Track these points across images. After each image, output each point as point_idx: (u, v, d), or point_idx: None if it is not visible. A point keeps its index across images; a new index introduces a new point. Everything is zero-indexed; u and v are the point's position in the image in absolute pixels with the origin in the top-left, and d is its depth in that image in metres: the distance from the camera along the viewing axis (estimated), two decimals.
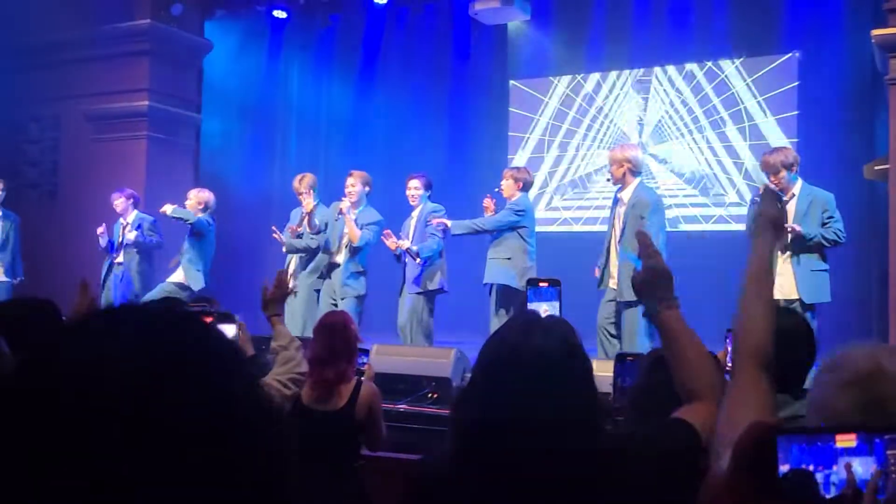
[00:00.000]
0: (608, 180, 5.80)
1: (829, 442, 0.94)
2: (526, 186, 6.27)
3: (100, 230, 7.33)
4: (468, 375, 4.70)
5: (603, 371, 2.67)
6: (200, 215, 6.99)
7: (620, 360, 2.56)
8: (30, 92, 8.94)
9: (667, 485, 1.31)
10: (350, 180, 6.54)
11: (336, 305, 6.35)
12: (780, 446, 0.93)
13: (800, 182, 5.38)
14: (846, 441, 0.94)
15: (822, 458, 0.94)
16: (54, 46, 8.80)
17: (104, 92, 8.77)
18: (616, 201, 5.76)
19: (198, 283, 6.92)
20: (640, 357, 2.25)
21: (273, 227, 6.91)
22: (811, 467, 0.93)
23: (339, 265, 6.53)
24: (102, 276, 7.40)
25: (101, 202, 7.86)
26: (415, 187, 6.44)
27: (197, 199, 7.11)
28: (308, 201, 6.74)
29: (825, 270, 5.22)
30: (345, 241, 6.52)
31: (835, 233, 5.17)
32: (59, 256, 8.04)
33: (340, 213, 6.49)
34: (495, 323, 5.89)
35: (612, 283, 5.64)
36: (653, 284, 1.60)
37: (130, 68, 8.75)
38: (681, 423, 1.42)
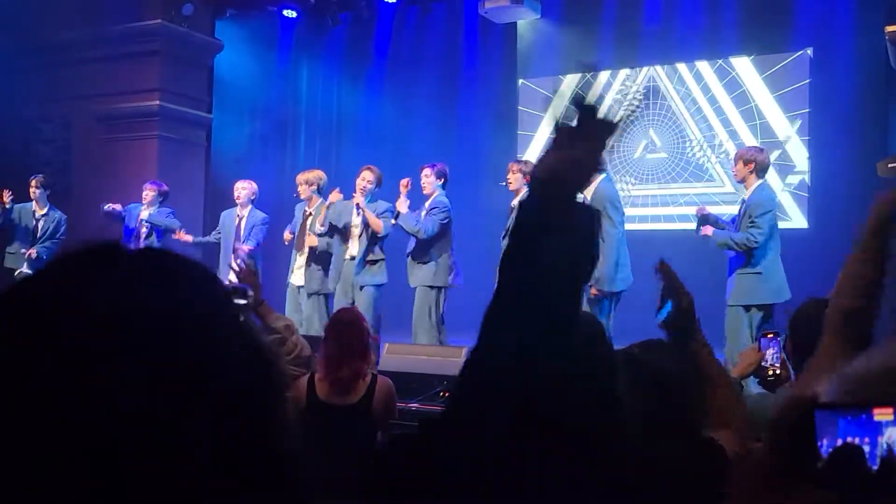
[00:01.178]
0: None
1: (868, 416, 0.91)
2: None
3: (111, 206, 7.42)
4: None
5: None
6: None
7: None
8: (41, 92, 8.98)
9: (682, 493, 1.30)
10: (367, 174, 6.60)
11: (353, 300, 6.35)
12: (826, 420, 0.90)
13: (755, 185, 5.48)
14: (884, 415, 0.91)
15: (868, 430, 0.91)
16: (65, 46, 8.84)
17: (115, 92, 8.80)
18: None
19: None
20: None
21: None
22: (857, 440, 0.90)
23: (352, 258, 6.55)
24: None
25: (113, 201, 7.89)
26: (425, 175, 6.57)
27: (251, 190, 7.37)
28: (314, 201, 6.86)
29: (754, 273, 5.33)
30: (356, 231, 6.54)
31: (746, 237, 5.30)
32: None
33: (357, 207, 6.51)
34: None
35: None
36: (685, 324, 1.63)
37: (141, 68, 8.78)
38: (712, 443, 1.42)
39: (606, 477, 1.19)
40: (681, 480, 1.32)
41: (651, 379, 1.80)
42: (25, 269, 7.53)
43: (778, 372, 2.56)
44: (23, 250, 7.59)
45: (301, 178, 7.07)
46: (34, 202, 7.73)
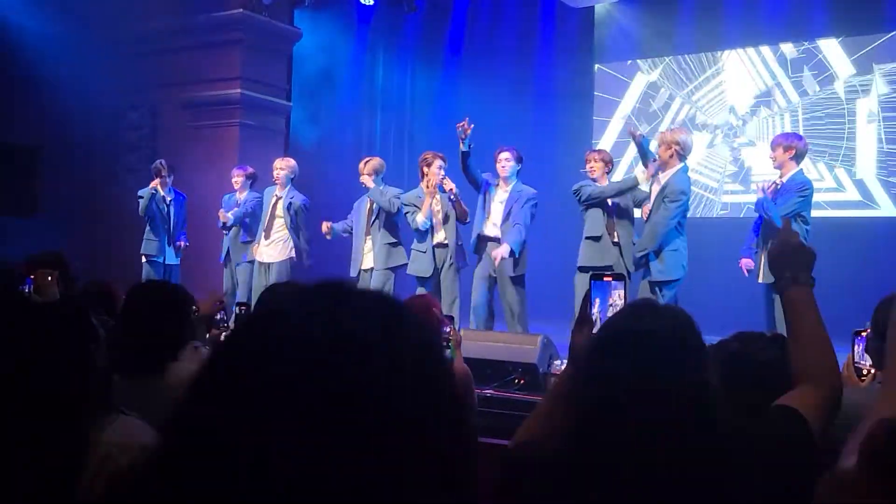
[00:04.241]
0: (654, 161, 5.75)
1: None
2: (612, 167, 6.38)
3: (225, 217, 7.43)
4: (556, 362, 4.67)
5: None
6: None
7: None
8: (129, 80, 9.28)
9: (775, 477, 1.28)
10: (440, 162, 6.47)
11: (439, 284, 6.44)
12: None
13: (793, 171, 5.52)
14: None
15: None
16: (152, 36, 9.11)
17: (198, 80, 9.03)
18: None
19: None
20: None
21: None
22: None
23: (439, 244, 6.53)
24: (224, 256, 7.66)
25: (198, 186, 8.13)
26: (505, 159, 6.33)
27: (289, 169, 7.31)
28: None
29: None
30: (440, 217, 6.50)
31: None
32: None
33: (452, 194, 6.38)
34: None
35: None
36: (787, 258, 1.60)
37: (223, 57, 8.98)
38: (789, 411, 1.40)
39: (700, 462, 1.19)
40: (758, 450, 1.31)
41: (752, 373, 1.77)
42: (171, 260, 7.52)
43: (872, 371, 2.49)
44: (157, 239, 7.52)
45: (369, 167, 6.81)
46: (159, 187, 7.57)
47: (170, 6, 9.00)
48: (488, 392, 4.74)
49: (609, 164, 6.25)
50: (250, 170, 7.70)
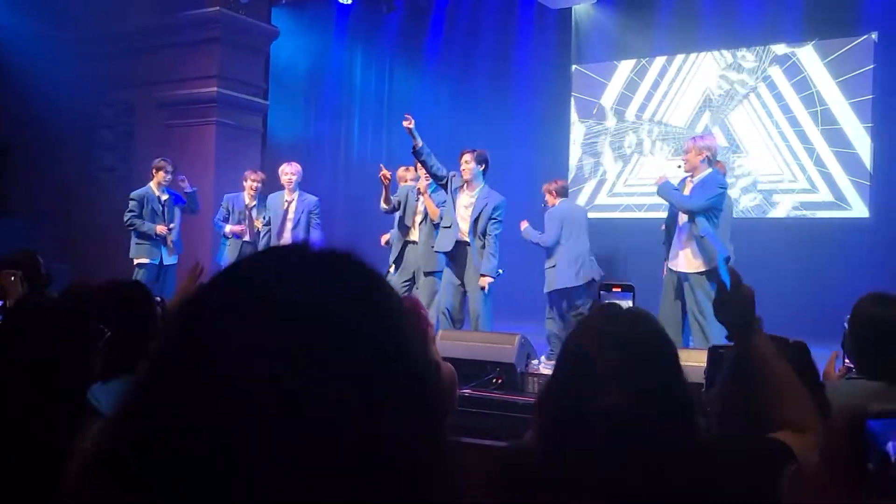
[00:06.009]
0: (679, 167, 5.76)
1: None
2: (560, 193, 6.90)
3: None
4: (534, 361, 4.67)
5: (695, 361, 2.64)
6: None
7: (713, 351, 2.50)
8: (105, 79, 9.21)
9: (751, 495, 1.28)
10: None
11: (416, 286, 6.44)
12: (889, 429, 0.88)
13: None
14: None
15: None
16: (128, 35, 9.05)
17: (175, 79, 8.98)
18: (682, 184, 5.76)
19: None
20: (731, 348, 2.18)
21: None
22: None
23: (414, 242, 6.57)
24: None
25: (174, 185, 8.07)
26: (465, 161, 6.22)
27: (298, 174, 7.21)
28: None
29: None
30: (419, 218, 6.57)
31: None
32: None
33: (418, 192, 6.49)
34: None
35: (674, 265, 5.62)
36: (734, 305, 1.55)
37: (200, 55, 8.93)
38: (777, 443, 1.38)
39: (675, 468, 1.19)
40: (736, 463, 1.31)
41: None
42: (168, 261, 7.20)
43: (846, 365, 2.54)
44: (146, 242, 7.16)
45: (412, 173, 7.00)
46: (155, 185, 7.25)
47: (147, 4, 8.94)
48: (466, 392, 4.75)
49: (555, 194, 6.78)
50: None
